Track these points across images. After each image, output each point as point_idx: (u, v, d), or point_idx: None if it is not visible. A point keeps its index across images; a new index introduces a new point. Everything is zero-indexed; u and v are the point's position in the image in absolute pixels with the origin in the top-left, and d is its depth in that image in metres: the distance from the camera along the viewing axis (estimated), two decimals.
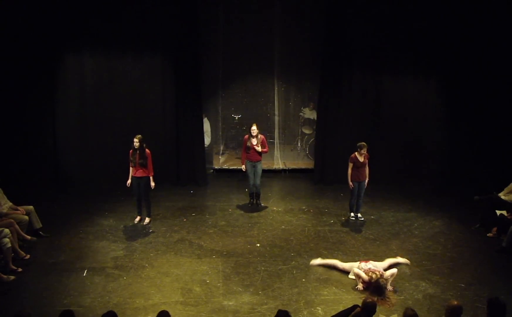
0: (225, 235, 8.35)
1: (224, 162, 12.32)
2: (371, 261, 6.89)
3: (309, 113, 12.84)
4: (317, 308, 6.21)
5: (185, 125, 10.70)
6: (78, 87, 10.45)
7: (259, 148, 9.23)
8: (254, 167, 9.38)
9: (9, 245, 6.87)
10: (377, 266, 6.77)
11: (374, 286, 6.41)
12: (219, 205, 9.79)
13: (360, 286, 6.64)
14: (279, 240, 8.20)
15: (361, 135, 9.66)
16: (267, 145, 9.48)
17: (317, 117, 11.41)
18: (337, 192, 10.58)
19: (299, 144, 13.11)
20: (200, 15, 10.48)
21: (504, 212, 8.48)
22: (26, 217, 7.77)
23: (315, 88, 11.72)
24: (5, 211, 7.62)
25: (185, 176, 10.92)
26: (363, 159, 8.66)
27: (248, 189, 9.79)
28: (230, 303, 6.27)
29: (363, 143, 8.63)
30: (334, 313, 5.54)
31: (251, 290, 6.61)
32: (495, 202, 8.66)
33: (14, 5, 9.51)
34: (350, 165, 8.67)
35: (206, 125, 11.77)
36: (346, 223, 8.98)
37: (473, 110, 11.07)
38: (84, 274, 6.90)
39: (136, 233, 8.36)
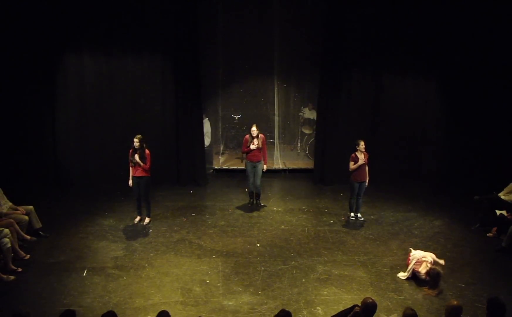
0: (225, 235, 8.35)
1: (224, 162, 12.31)
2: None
3: (309, 113, 12.83)
4: (317, 308, 6.22)
5: (185, 125, 10.69)
6: (78, 87, 10.44)
7: (255, 146, 9.18)
8: (255, 167, 9.37)
9: (9, 245, 6.88)
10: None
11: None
12: (219, 205, 9.79)
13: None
14: (279, 240, 8.20)
15: (361, 135, 9.65)
16: (265, 146, 9.46)
17: (317, 117, 11.40)
18: (337, 192, 10.58)
19: (299, 144, 13.11)
20: (200, 15, 10.47)
21: (504, 212, 8.49)
22: (26, 217, 7.78)
23: (315, 88, 11.71)
24: (5, 211, 7.63)
25: (185, 176, 10.91)
26: (363, 157, 8.66)
27: (248, 188, 9.79)
28: (230, 303, 6.27)
29: (360, 140, 8.71)
30: (334, 313, 5.53)
31: (251, 290, 6.61)
32: (495, 202, 8.67)
33: (14, 6, 9.52)
34: (351, 162, 8.68)
35: (207, 127, 11.76)
36: (346, 223, 8.98)
37: (473, 110, 11.07)
38: (84, 274, 6.91)
39: (136, 233, 8.36)
